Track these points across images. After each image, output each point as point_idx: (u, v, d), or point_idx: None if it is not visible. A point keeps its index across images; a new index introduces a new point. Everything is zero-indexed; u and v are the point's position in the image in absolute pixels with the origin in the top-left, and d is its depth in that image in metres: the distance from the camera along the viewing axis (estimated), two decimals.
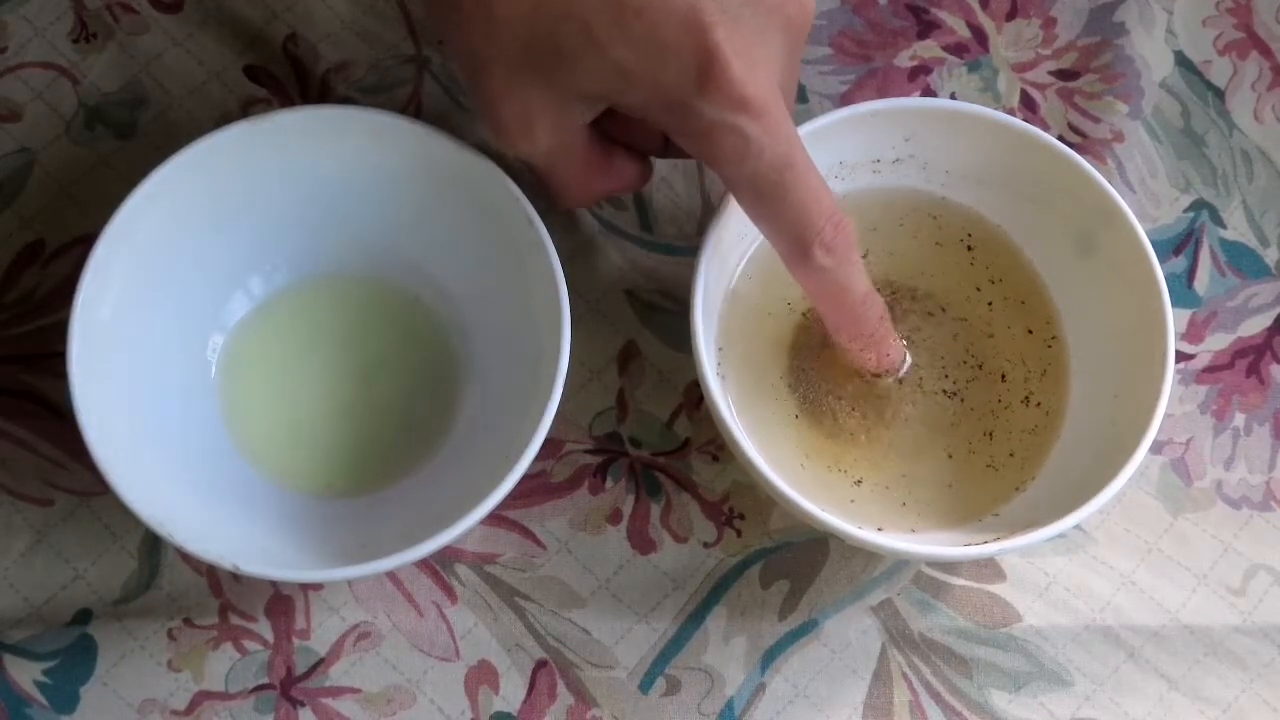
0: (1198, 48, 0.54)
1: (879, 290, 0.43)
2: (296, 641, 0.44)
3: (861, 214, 0.48)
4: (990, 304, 0.48)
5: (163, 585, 0.45)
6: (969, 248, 0.48)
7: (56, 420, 0.46)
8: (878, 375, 0.46)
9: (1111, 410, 0.44)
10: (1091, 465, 0.43)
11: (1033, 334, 0.47)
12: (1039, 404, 0.46)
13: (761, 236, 0.47)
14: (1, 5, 0.51)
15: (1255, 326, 0.51)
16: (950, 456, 0.46)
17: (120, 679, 0.44)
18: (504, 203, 0.44)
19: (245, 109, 0.50)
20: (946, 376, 0.47)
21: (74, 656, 0.44)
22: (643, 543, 0.46)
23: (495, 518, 0.46)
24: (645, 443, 0.48)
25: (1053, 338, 0.47)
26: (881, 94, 0.52)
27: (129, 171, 0.49)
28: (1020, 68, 0.53)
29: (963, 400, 0.47)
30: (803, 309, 0.47)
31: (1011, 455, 0.46)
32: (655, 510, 0.47)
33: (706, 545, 0.47)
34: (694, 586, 0.46)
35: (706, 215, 0.50)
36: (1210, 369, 0.50)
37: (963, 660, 0.46)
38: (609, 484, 0.47)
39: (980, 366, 0.47)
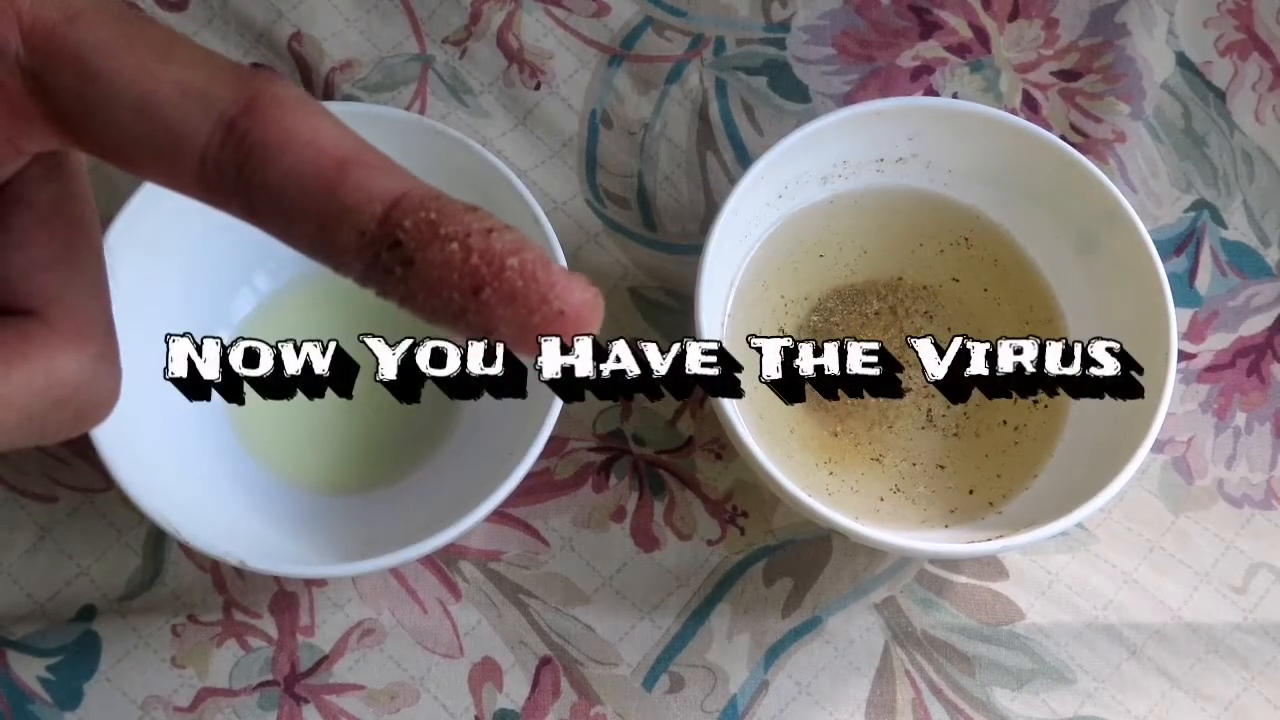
0: (1199, 49, 0.54)
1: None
2: (300, 638, 0.44)
3: (865, 213, 0.48)
4: (993, 302, 0.48)
5: (167, 581, 0.45)
6: (971, 246, 0.48)
7: None
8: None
9: (1113, 409, 0.45)
10: (1093, 464, 0.43)
11: (1035, 334, 0.47)
12: (1042, 403, 0.47)
13: (765, 234, 0.48)
14: None
15: (1256, 326, 0.51)
16: (953, 455, 0.46)
17: (124, 675, 0.44)
18: (509, 200, 0.44)
19: None
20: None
21: (78, 653, 0.44)
22: (646, 540, 0.47)
23: (499, 515, 0.46)
24: (649, 441, 0.48)
25: (1056, 337, 0.47)
26: (884, 94, 0.52)
27: None
28: (1022, 68, 0.53)
29: (966, 400, 0.47)
30: (808, 307, 0.48)
31: (1014, 454, 0.46)
32: (659, 508, 0.47)
33: (710, 543, 0.47)
34: (697, 584, 0.46)
35: (710, 214, 0.50)
36: (1211, 368, 0.50)
37: (965, 658, 0.46)
38: (613, 482, 0.47)
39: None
